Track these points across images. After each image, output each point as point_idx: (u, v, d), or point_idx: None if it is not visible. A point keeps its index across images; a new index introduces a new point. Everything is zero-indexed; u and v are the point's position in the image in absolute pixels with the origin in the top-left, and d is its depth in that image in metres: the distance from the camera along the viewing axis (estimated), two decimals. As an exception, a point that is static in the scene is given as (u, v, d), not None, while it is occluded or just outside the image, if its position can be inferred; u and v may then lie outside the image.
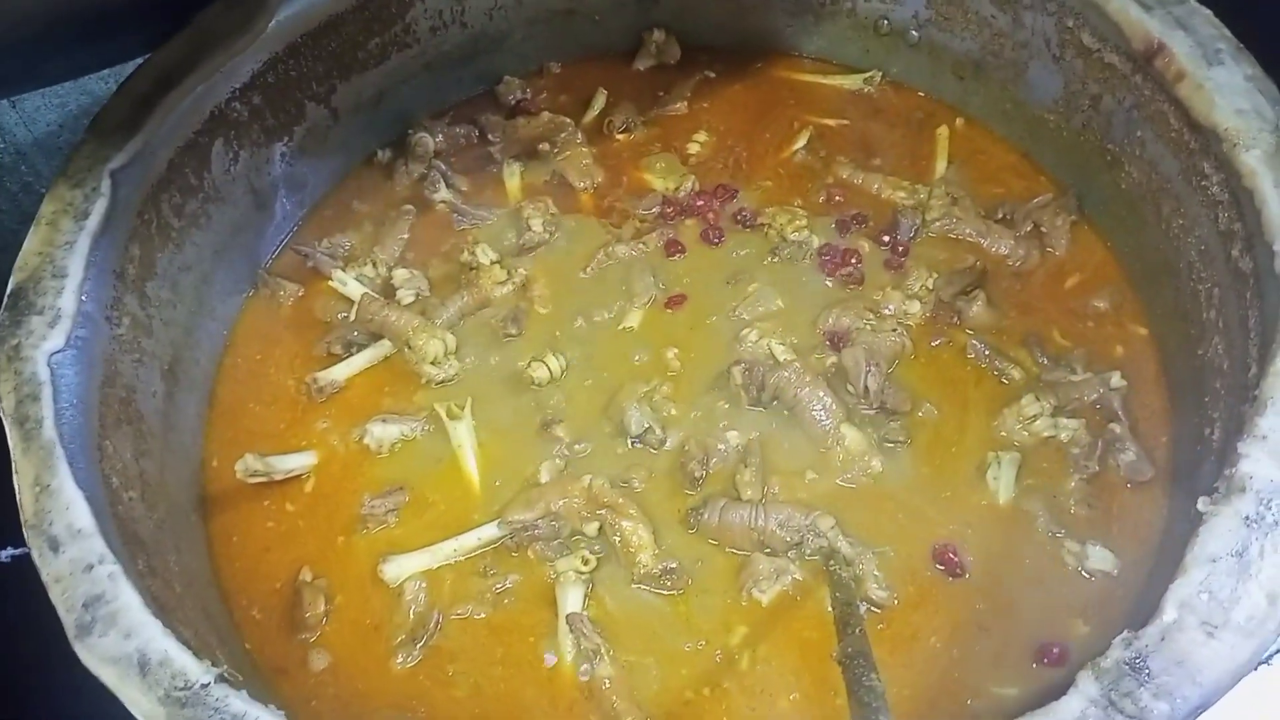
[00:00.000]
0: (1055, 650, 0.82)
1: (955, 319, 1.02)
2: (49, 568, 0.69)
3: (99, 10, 0.87)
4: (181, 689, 0.64)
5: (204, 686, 0.64)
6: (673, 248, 1.10)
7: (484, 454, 0.98)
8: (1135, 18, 0.91)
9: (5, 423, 0.75)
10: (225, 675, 0.65)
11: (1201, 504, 0.67)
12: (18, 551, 0.73)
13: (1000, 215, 1.10)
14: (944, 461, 0.94)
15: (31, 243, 0.84)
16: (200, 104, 0.98)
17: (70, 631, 0.66)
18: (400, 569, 0.90)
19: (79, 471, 0.74)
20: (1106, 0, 0.94)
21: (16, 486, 0.72)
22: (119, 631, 0.66)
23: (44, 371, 0.77)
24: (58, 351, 0.79)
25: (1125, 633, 0.63)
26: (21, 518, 0.71)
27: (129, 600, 0.68)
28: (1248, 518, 0.65)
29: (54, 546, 0.70)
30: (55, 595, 0.68)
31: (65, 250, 0.84)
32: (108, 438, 0.82)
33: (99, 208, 0.86)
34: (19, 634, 0.79)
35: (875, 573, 0.87)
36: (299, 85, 1.09)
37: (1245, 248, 0.81)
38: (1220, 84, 0.85)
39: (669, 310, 1.07)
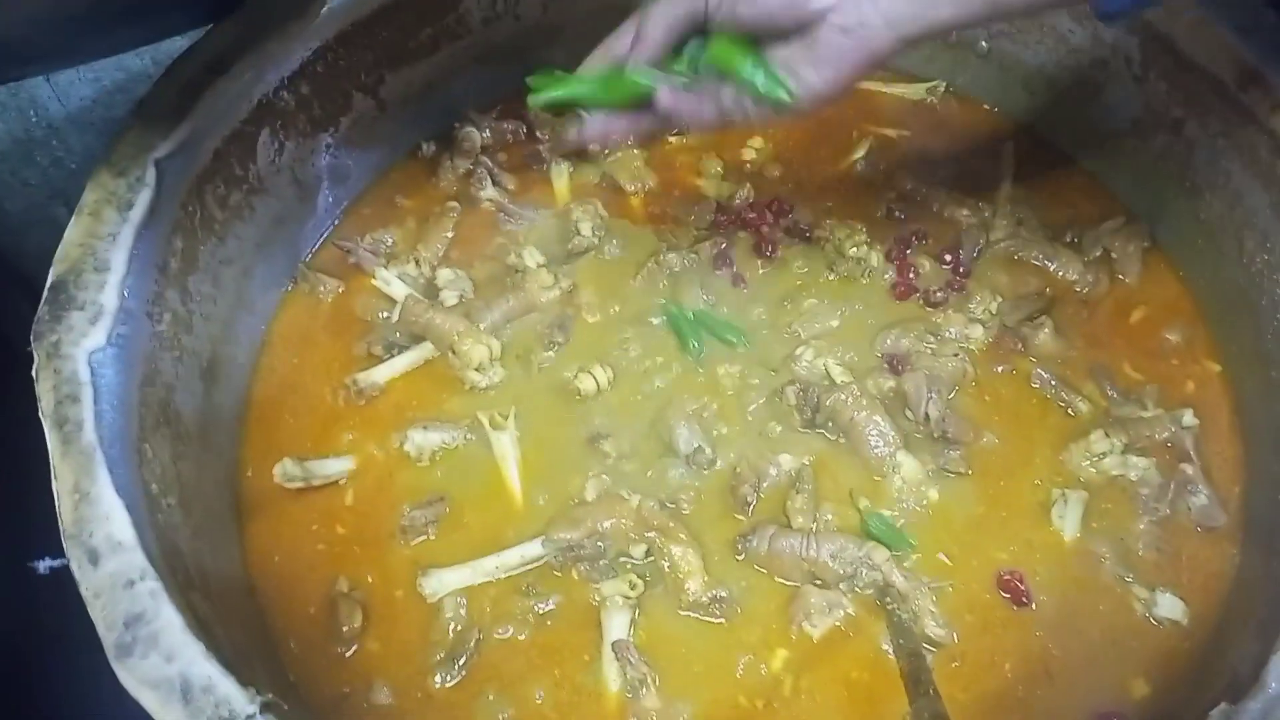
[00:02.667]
0: None
1: (1020, 346, 0.99)
2: (88, 582, 0.66)
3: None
4: (225, 719, 0.61)
5: (249, 718, 0.61)
6: (722, 260, 1.07)
7: (527, 466, 0.94)
8: (1229, 43, 0.87)
9: (44, 424, 0.72)
10: (270, 704, 0.62)
11: (1302, 567, 0.64)
12: (56, 563, 0.70)
13: (1068, 239, 1.06)
14: (1005, 495, 0.91)
15: (73, 233, 0.81)
16: (248, 92, 0.94)
17: (110, 652, 0.63)
18: (440, 584, 0.87)
19: (119, 477, 0.71)
20: (1198, 23, 0.90)
21: (55, 493, 0.69)
22: (161, 654, 0.63)
23: (84, 371, 0.74)
24: (98, 350, 0.76)
25: (1223, 705, 0.60)
26: (60, 527, 0.68)
27: (171, 620, 0.64)
28: (1355, 586, 0.62)
29: (93, 559, 0.66)
30: (95, 612, 0.65)
31: (108, 243, 0.80)
32: (147, 440, 0.79)
33: (143, 198, 0.83)
34: (58, 646, 0.76)
35: (932, 609, 0.84)
36: (348, 75, 1.05)
37: (1341, 293, 0.78)
38: (1322, 118, 0.81)
39: (735, 288, 1.05)
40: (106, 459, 0.71)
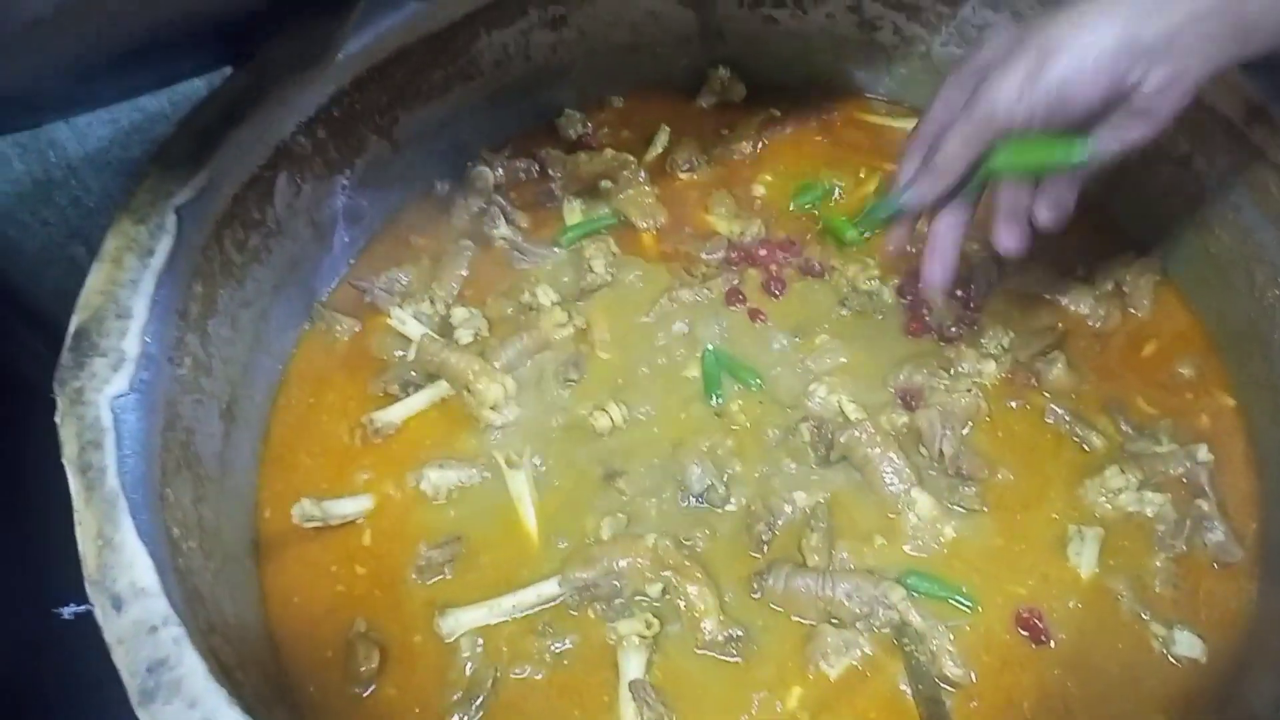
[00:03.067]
0: None
1: (1033, 381, 0.99)
2: (112, 628, 0.66)
3: (176, 34, 0.85)
4: (248, 766, 0.61)
5: (271, 766, 0.61)
6: (733, 297, 1.07)
7: (542, 505, 0.95)
8: (1236, 80, 0.88)
9: (68, 471, 0.72)
10: (291, 751, 0.63)
11: (1320, 610, 0.64)
12: (80, 609, 0.71)
13: (1079, 272, 1.06)
14: (1021, 532, 0.91)
15: (94, 281, 0.82)
16: (265, 137, 0.96)
17: (133, 698, 0.64)
18: (457, 623, 0.87)
19: (141, 523, 0.72)
20: (1205, 60, 0.90)
21: (79, 539, 0.70)
22: (183, 700, 0.64)
23: (107, 417, 0.75)
24: (120, 396, 0.77)
25: (1242, 751, 0.60)
26: (84, 573, 0.69)
27: (193, 666, 0.65)
28: (1373, 629, 0.62)
29: (117, 605, 0.67)
30: (118, 658, 0.65)
31: (129, 289, 0.81)
32: (169, 485, 0.79)
33: (164, 245, 0.84)
34: (82, 692, 0.77)
35: (950, 648, 0.84)
36: (363, 117, 1.07)
37: (1353, 329, 0.78)
38: (1330, 156, 0.82)
39: (751, 324, 1.05)
40: (129, 504, 0.72)
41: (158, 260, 0.83)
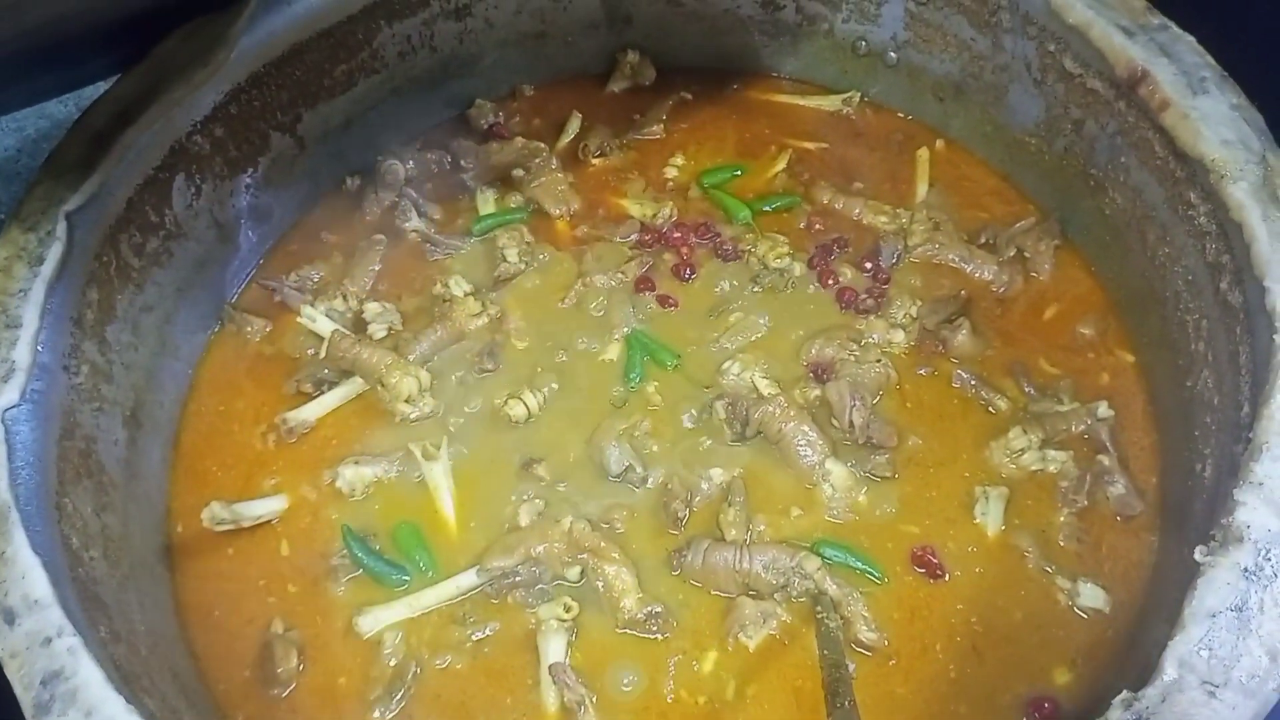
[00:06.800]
0: (1046, 705, 0.80)
1: (940, 348, 1.01)
2: (4, 643, 0.66)
3: (61, 38, 0.84)
4: (146, 771, 0.61)
5: (170, 769, 0.61)
6: (643, 285, 1.08)
7: (461, 495, 0.95)
8: (1118, 44, 0.90)
9: (-43, 485, 0.71)
10: (192, 753, 0.62)
11: (1198, 554, 0.66)
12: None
13: (983, 240, 1.08)
14: (931, 496, 0.93)
15: (-17, 291, 0.81)
16: (160, 138, 0.95)
17: (28, 711, 0.63)
18: (376, 621, 0.87)
19: (36, 535, 0.71)
20: (1088, 26, 0.92)
21: (-32, 555, 0.69)
22: (79, 710, 0.63)
23: (-3, 429, 0.74)
24: (12, 407, 0.76)
25: (1125, 693, 0.62)
26: (-26, 588, 0.68)
27: (90, 675, 0.64)
28: (1246, 569, 0.64)
29: (9, 619, 0.66)
30: (11, 672, 0.65)
31: (19, 299, 0.80)
32: (66, 495, 0.78)
33: (54, 252, 0.83)
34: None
35: (864, 614, 0.85)
36: (263, 115, 1.05)
37: (1234, 281, 0.80)
38: (1206, 113, 0.84)
39: (662, 309, 1.06)
40: (22, 517, 0.71)
41: (48, 268, 0.82)
